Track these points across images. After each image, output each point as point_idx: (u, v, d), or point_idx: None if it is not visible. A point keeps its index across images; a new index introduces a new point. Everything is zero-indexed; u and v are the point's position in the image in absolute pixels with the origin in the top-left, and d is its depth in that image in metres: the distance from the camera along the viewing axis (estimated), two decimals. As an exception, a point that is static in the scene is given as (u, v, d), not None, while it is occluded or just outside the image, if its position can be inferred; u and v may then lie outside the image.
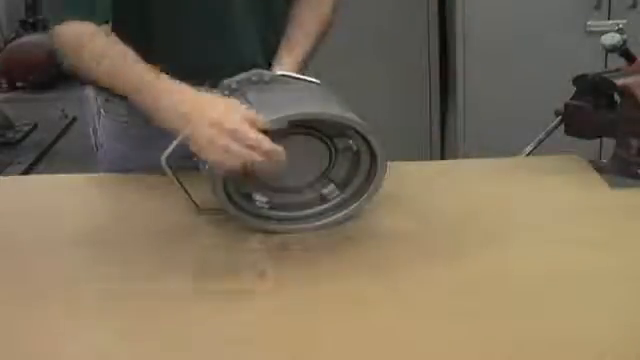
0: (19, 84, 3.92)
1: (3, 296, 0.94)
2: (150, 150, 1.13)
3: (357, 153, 1.04)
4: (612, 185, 1.14)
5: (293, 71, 1.13)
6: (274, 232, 1.04)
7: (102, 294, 0.93)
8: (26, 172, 2.28)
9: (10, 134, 2.61)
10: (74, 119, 3.68)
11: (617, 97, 1.18)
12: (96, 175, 1.33)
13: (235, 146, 0.91)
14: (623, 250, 0.96)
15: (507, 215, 1.08)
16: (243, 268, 0.97)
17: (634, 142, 1.15)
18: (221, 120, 0.93)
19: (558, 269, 0.93)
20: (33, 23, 5.06)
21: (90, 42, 1.08)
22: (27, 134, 2.68)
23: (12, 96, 3.42)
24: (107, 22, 1.12)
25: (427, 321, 0.84)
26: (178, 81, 1.02)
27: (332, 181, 1.07)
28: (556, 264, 0.94)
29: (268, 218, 1.05)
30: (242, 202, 1.03)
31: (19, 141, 2.60)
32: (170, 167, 1.03)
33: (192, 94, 1.00)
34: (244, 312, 0.88)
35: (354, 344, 0.81)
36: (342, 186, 1.07)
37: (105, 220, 1.13)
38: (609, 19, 2.46)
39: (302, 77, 1.09)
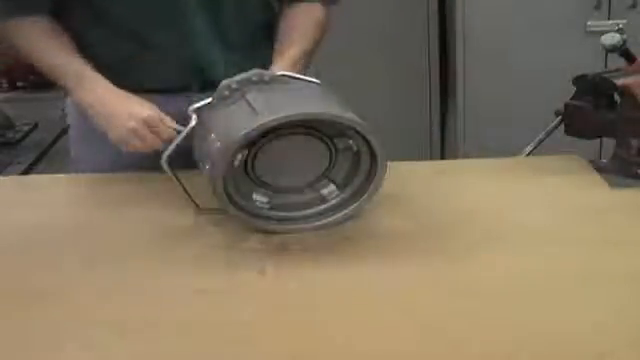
0: (19, 84, 3.90)
1: (2, 296, 0.94)
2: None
3: (357, 153, 1.04)
4: (612, 185, 1.14)
5: (289, 72, 1.14)
6: (274, 232, 1.04)
7: (101, 293, 0.93)
8: (26, 172, 2.28)
9: (10, 134, 2.60)
10: (74, 119, 3.68)
11: (617, 97, 1.18)
12: (96, 175, 1.32)
13: (143, 130, 1.11)
14: (623, 250, 0.96)
15: (507, 215, 1.08)
16: (243, 267, 0.97)
17: (634, 142, 1.15)
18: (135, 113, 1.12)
19: (558, 269, 0.93)
20: (33, 23, 5.05)
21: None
22: (27, 134, 2.67)
23: (12, 96, 3.42)
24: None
25: (427, 321, 0.84)
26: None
27: (332, 181, 1.07)
28: (556, 264, 0.94)
29: (268, 218, 1.05)
30: (242, 202, 1.03)
31: (19, 141, 2.60)
32: (170, 167, 1.04)
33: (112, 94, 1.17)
34: (244, 311, 0.88)
35: (354, 343, 0.81)
36: (342, 186, 1.07)
37: (105, 219, 1.13)
38: (609, 19, 2.47)
39: (302, 77, 1.09)
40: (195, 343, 0.82)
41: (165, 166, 1.03)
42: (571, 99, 1.23)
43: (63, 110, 2.95)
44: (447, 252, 0.98)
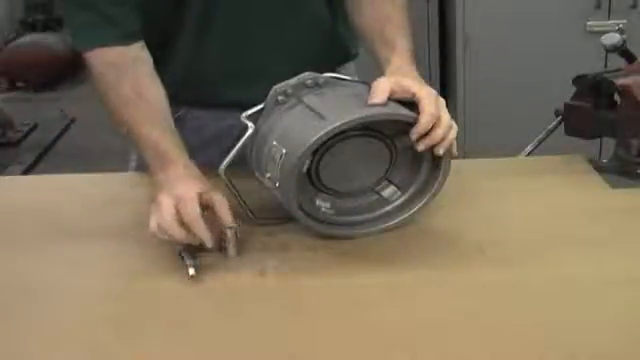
0: (19, 84, 3.91)
1: (3, 296, 0.94)
2: None
3: (418, 152, 1.00)
4: (612, 185, 1.14)
5: (409, 65, 1.07)
6: (340, 238, 1.02)
7: (101, 293, 0.93)
8: (26, 172, 2.29)
9: (10, 134, 2.61)
10: (74, 119, 3.69)
11: (617, 97, 1.18)
12: (96, 175, 1.33)
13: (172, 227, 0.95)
14: (623, 251, 0.96)
15: (506, 215, 1.08)
16: (243, 267, 0.96)
17: (634, 142, 1.15)
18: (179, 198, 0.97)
19: (557, 270, 0.93)
20: (33, 23, 5.07)
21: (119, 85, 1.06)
22: (27, 134, 2.68)
23: (12, 96, 3.43)
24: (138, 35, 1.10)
25: (427, 321, 0.84)
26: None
27: (392, 182, 1.05)
28: (555, 265, 0.94)
29: (333, 224, 1.03)
30: (306, 208, 1.00)
31: (19, 141, 2.61)
32: (227, 177, 1.02)
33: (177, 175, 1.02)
34: (244, 311, 0.88)
35: (354, 343, 0.81)
36: (403, 187, 1.05)
37: (104, 220, 1.13)
38: (609, 19, 2.47)
39: (351, 79, 1.07)
40: (195, 343, 0.82)
41: (223, 176, 1.02)
42: (571, 99, 1.23)
43: (62, 110, 2.96)
44: (448, 253, 0.98)
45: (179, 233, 0.95)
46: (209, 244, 0.95)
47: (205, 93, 1.21)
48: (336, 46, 1.25)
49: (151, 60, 1.10)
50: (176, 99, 1.18)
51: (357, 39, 1.28)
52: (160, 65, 1.13)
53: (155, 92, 1.09)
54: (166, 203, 0.96)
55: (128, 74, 1.07)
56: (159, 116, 1.08)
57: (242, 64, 1.19)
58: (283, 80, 1.02)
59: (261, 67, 1.18)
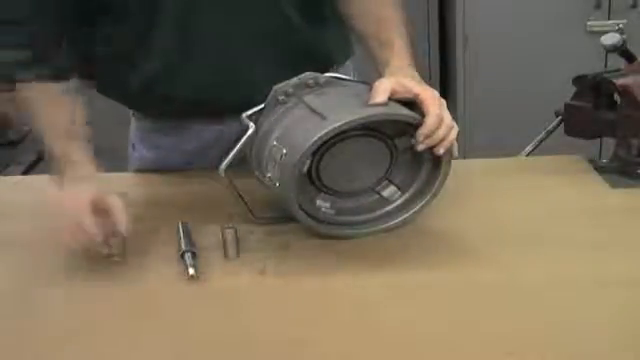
0: (19, 84, 3.88)
1: (3, 297, 0.94)
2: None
3: (418, 152, 1.01)
4: (612, 185, 1.14)
5: (409, 66, 1.07)
6: (340, 238, 1.02)
7: (101, 293, 0.93)
8: (26, 172, 2.29)
9: (10, 134, 2.61)
10: (74, 119, 3.69)
11: (617, 97, 1.18)
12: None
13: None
14: (623, 251, 0.96)
15: (506, 215, 1.08)
16: (243, 267, 0.97)
17: (634, 142, 1.15)
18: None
19: (557, 270, 0.93)
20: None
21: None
22: (27, 134, 2.68)
23: (12, 96, 3.41)
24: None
25: (427, 321, 0.84)
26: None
27: (392, 182, 1.05)
28: (555, 265, 0.94)
29: (333, 224, 1.03)
30: (306, 208, 1.00)
31: (19, 141, 2.61)
32: (227, 177, 1.02)
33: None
34: (244, 311, 0.89)
35: (354, 343, 0.81)
36: (403, 187, 1.05)
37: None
38: (609, 19, 2.47)
39: (353, 79, 1.07)
40: (195, 343, 0.82)
41: (223, 175, 1.01)
42: (571, 99, 1.23)
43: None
44: (448, 253, 0.98)
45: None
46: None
47: (195, 107, 1.20)
48: (316, 51, 1.21)
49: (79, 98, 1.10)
50: (168, 114, 1.22)
51: (348, 42, 1.28)
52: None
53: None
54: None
55: (53, 98, 1.09)
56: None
57: (226, 71, 1.16)
58: (269, 83, 1.02)
59: (245, 73, 1.15)
